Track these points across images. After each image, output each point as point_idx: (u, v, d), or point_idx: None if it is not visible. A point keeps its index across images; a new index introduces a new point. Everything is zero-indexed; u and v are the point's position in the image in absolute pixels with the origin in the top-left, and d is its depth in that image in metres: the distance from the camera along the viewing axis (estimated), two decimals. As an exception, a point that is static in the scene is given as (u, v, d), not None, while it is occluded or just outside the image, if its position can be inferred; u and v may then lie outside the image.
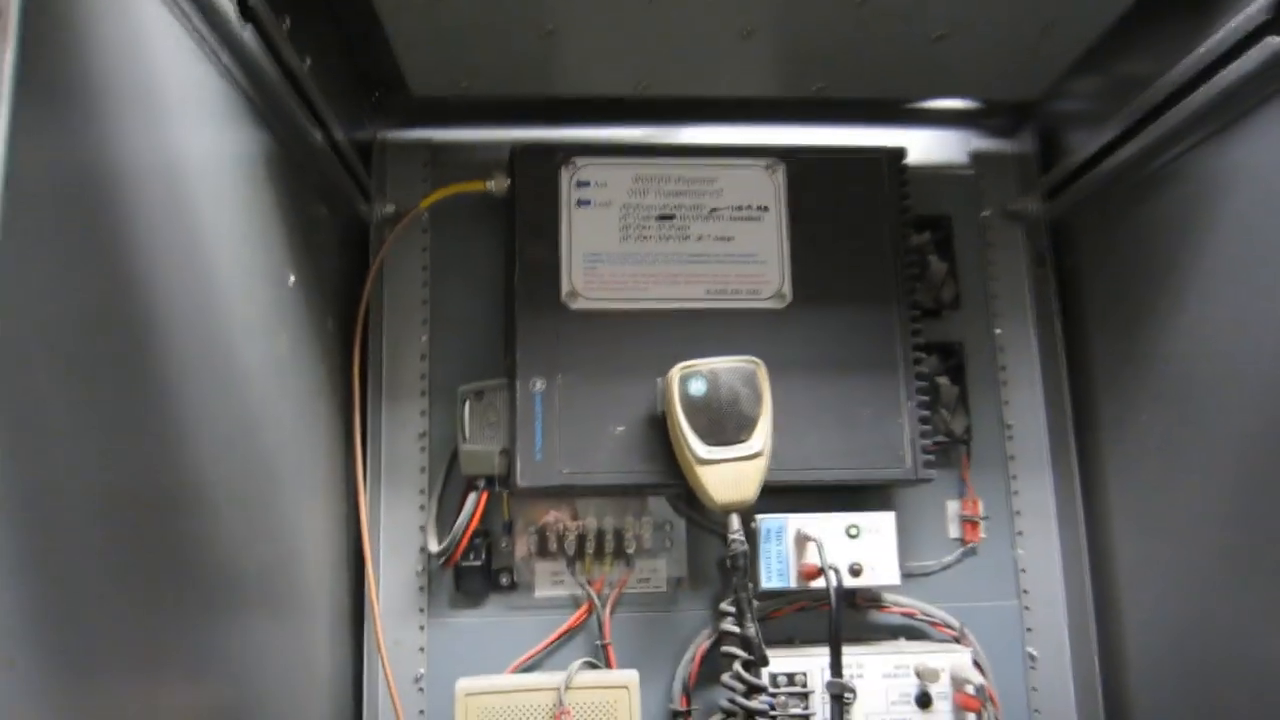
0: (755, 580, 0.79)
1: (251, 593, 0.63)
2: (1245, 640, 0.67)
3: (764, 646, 0.72)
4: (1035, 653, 0.87)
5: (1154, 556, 0.79)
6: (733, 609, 0.73)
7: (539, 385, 0.79)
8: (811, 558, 0.78)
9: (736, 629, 0.72)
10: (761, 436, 0.73)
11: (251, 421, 0.63)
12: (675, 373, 0.74)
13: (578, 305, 0.81)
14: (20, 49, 0.36)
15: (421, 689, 0.83)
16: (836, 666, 0.72)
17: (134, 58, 0.47)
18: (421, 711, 0.83)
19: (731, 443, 0.73)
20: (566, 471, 0.78)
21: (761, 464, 0.73)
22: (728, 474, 0.73)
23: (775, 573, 0.79)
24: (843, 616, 0.73)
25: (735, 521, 0.73)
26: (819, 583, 0.78)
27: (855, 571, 0.79)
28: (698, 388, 0.74)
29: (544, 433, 0.78)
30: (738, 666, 0.72)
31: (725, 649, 0.73)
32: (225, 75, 0.59)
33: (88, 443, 0.43)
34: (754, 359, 0.75)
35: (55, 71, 0.40)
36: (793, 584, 0.79)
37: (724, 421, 0.73)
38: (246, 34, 0.59)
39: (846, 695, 0.76)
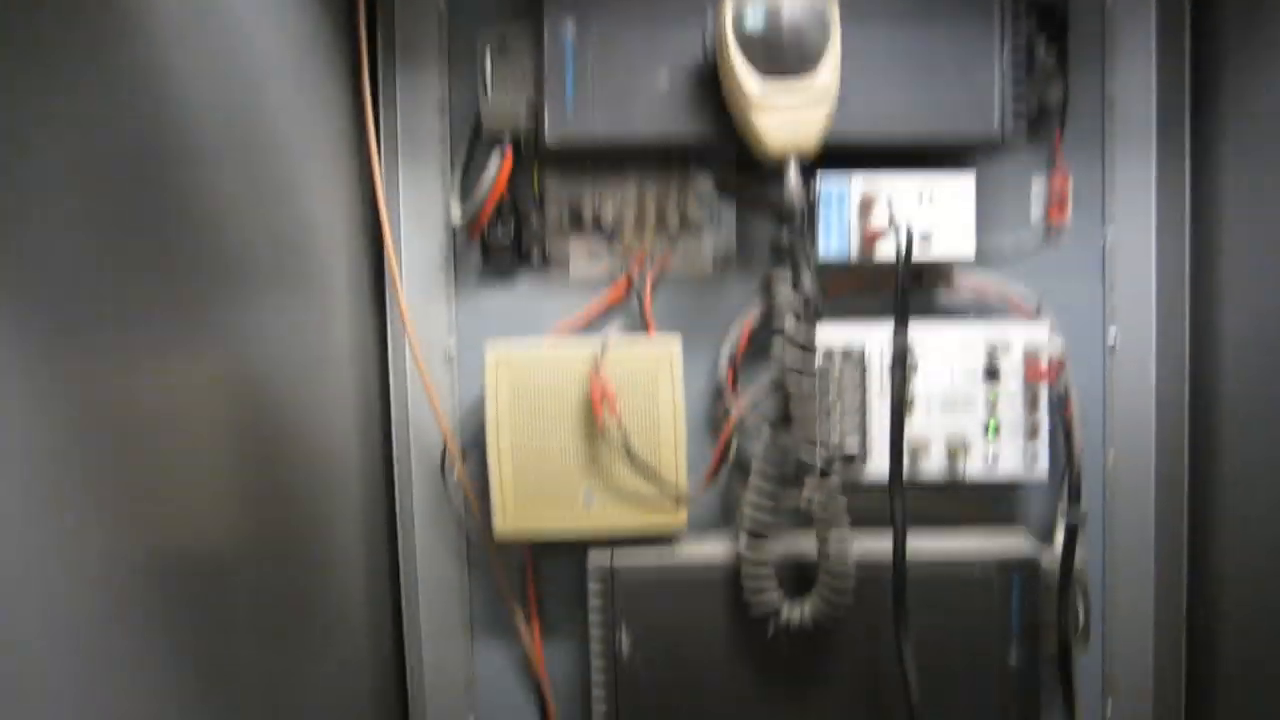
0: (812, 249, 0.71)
1: (263, 262, 0.58)
2: None
3: (819, 306, 0.65)
4: (1117, 341, 0.79)
5: (1269, 253, 0.69)
6: (786, 288, 0.66)
7: (570, 28, 0.69)
8: (877, 221, 0.70)
9: (789, 288, 0.65)
10: (828, 71, 0.63)
11: (245, 77, 0.56)
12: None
13: (615, -70, 0.69)
14: None
15: (451, 362, 0.79)
16: (903, 322, 0.65)
17: None
18: (451, 386, 0.79)
19: (792, 78, 0.63)
20: (600, 125, 0.69)
21: (826, 104, 0.63)
22: (786, 115, 0.63)
23: (835, 240, 0.71)
24: (909, 274, 0.66)
25: (793, 172, 0.64)
26: (883, 253, 0.71)
27: (925, 240, 0.71)
28: (755, 15, 0.63)
29: (575, 82, 0.69)
30: (789, 325, 0.65)
31: (776, 298, 0.66)
32: None
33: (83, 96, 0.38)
34: (822, -23, 0.64)
35: None
36: (853, 254, 0.71)
37: (784, 54, 0.63)
38: None
39: (910, 358, 0.69)
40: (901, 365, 0.66)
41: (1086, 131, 0.78)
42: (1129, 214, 0.79)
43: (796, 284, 0.65)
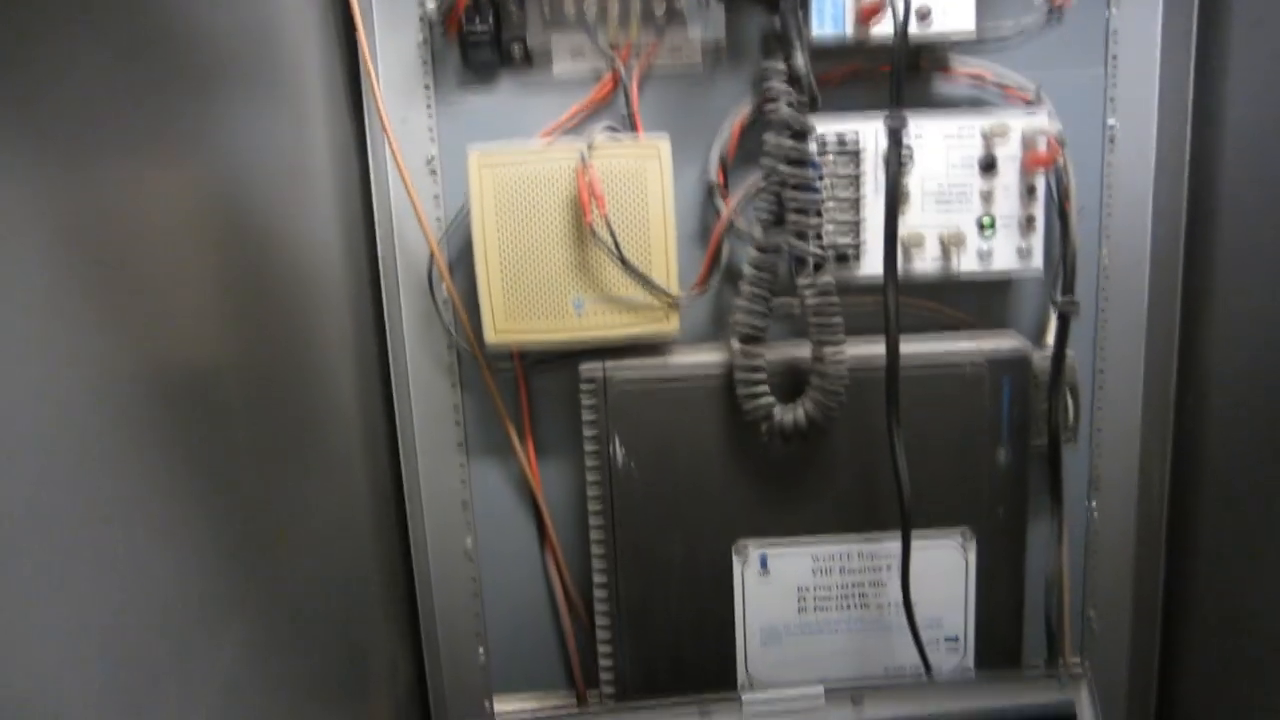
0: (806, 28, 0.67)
1: (232, 63, 0.54)
2: None
3: (814, 82, 0.62)
4: (1117, 125, 0.77)
5: (1272, 31, 0.66)
6: (778, 65, 0.62)
7: None
8: (874, -8, 0.66)
9: (781, 65, 0.62)
10: None
11: None
12: None
13: None
14: None
15: (434, 172, 0.76)
16: (897, 96, 0.63)
17: None
18: (436, 196, 0.76)
19: None
20: (581, -109, 0.64)
21: None
22: None
23: (829, 16, 0.68)
24: (906, 44, 0.63)
25: (784, -68, 0.60)
26: (880, 29, 0.67)
27: (923, 15, 0.67)
28: None
29: None
30: (782, 106, 0.62)
31: (769, 83, 0.63)
32: None
33: None
34: None
35: None
36: (849, 31, 0.68)
37: None
38: None
39: (905, 148, 0.67)
40: (897, 144, 0.63)
41: (1092, -99, 0.74)
42: (1135, -8, 0.75)
43: (789, 63, 0.62)
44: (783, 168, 0.64)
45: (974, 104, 0.75)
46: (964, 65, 0.73)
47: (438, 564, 0.82)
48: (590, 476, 0.74)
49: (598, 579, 0.75)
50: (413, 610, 0.82)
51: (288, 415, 0.61)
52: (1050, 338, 0.73)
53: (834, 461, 0.73)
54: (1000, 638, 0.76)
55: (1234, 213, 0.73)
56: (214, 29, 0.52)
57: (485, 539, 0.82)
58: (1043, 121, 0.70)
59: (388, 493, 0.79)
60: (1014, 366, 0.72)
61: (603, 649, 0.76)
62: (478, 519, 0.82)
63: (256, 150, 0.58)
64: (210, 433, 0.49)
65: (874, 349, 0.69)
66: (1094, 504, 0.82)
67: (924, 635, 0.73)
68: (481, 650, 0.83)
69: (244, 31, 0.57)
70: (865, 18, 0.67)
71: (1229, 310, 0.74)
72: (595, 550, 0.75)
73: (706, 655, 0.76)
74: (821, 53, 0.70)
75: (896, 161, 0.64)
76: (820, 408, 0.68)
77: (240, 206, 0.55)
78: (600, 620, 0.76)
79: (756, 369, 0.69)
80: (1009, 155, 0.71)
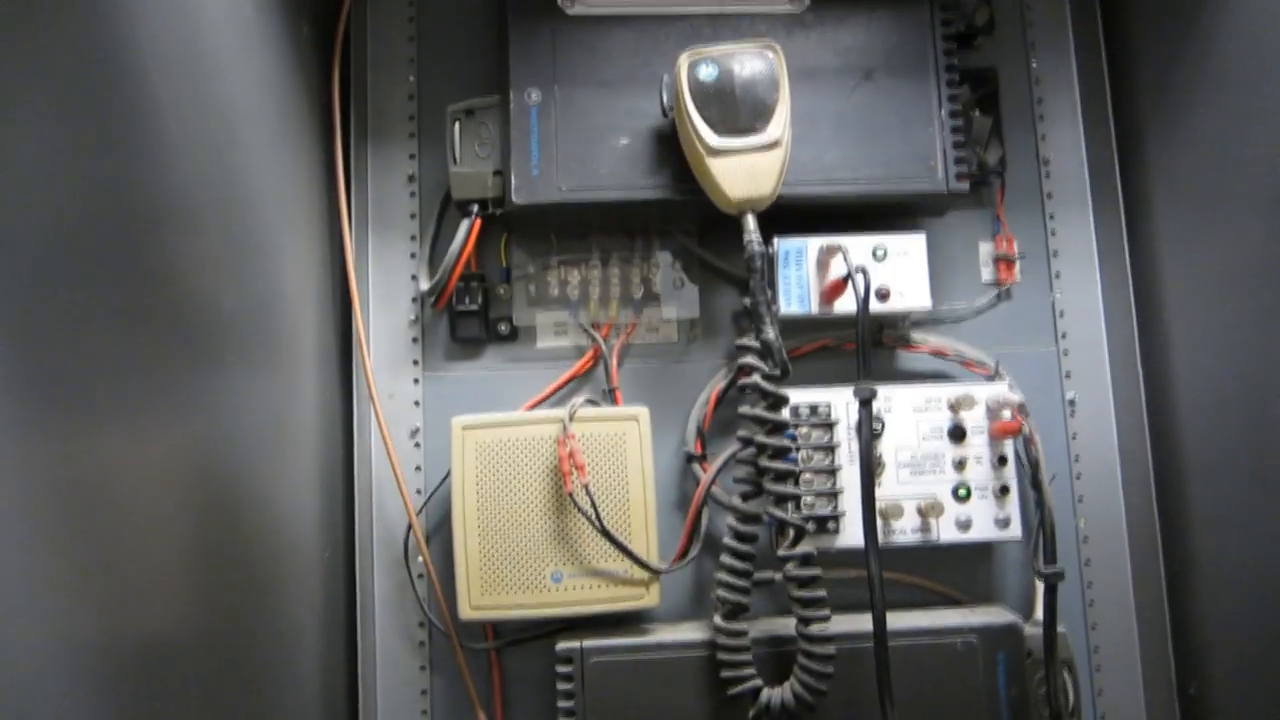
0: (775, 304, 0.72)
1: (232, 332, 0.57)
2: None
3: (785, 354, 0.65)
4: (1075, 398, 0.80)
5: (1204, 292, 0.72)
6: (750, 342, 0.66)
7: (534, 96, 0.72)
8: (835, 273, 0.71)
9: (754, 342, 0.66)
10: (779, 125, 0.66)
11: (225, 135, 0.56)
12: (684, 59, 0.67)
13: (575, 10, 0.73)
14: None
15: (418, 444, 0.77)
16: (864, 367, 0.66)
17: None
18: (418, 467, 0.77)
19: (746, 132, 0.65)
20: (565, 188, 0.71)
21: (779, 156, 0.66)
22: (742, 166, 0.65)
23: (795, 297, 0.72)
24: (869, 318, 0.67)
25: (751, 222, 0.66)
26: (843, 306, 0.72)
27: (883, 295, 0.72)
28: (709, 73, 0.66)
29: (540, 147, 0.71)
30: (756, 377, 0.65)
31: (742, 357, 0.66)
32: None
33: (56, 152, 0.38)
34: (771, 43, 0.67)
35: None
36: (814, 309, 0.72)
37: (738, 109, 0.66)
38: None
39: (876, 419, 0.69)
40: (868, 408, 0.65)
41: (1027, 195, 0.81)
42: (1074, 273, 0.81)
43: (760, 336, 0.65)
44: (759, 436, 0.65)
45: (938, 378, 0.78)
46: (925, 342, 0.78)
47: None
48: (566, 765, 0.69)
49: None
50: None
51: (246, 690, 0.57)
52: (1039, 610, 0.72)
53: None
54: None
55: (1197, 468, 0.74)
56: (220, 301, 0.55)
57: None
58: (1005, 391, 0.73)
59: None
60: (1007, 640, 0.70)
61: None
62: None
63: (245, 417, 0.58)
64: (162, 710, 0.46)
65: (860, 623, 0.67)
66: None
67: None
68: None
69: (248, 304, 0.60)
70: (828, 298, 0.72)
71: (1210, 568, 0.73)
72: None
73: None
74: (790, 328, 0.74)
75: (868, 427, 0.65)
76: (809, 689, 0.65)
77: (223, 473, 0.55)
78: None
79: (741, 648, 0.67)
80: (976, 425, 0.73)
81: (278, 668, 0.63)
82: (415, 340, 0.78)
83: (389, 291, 0.78)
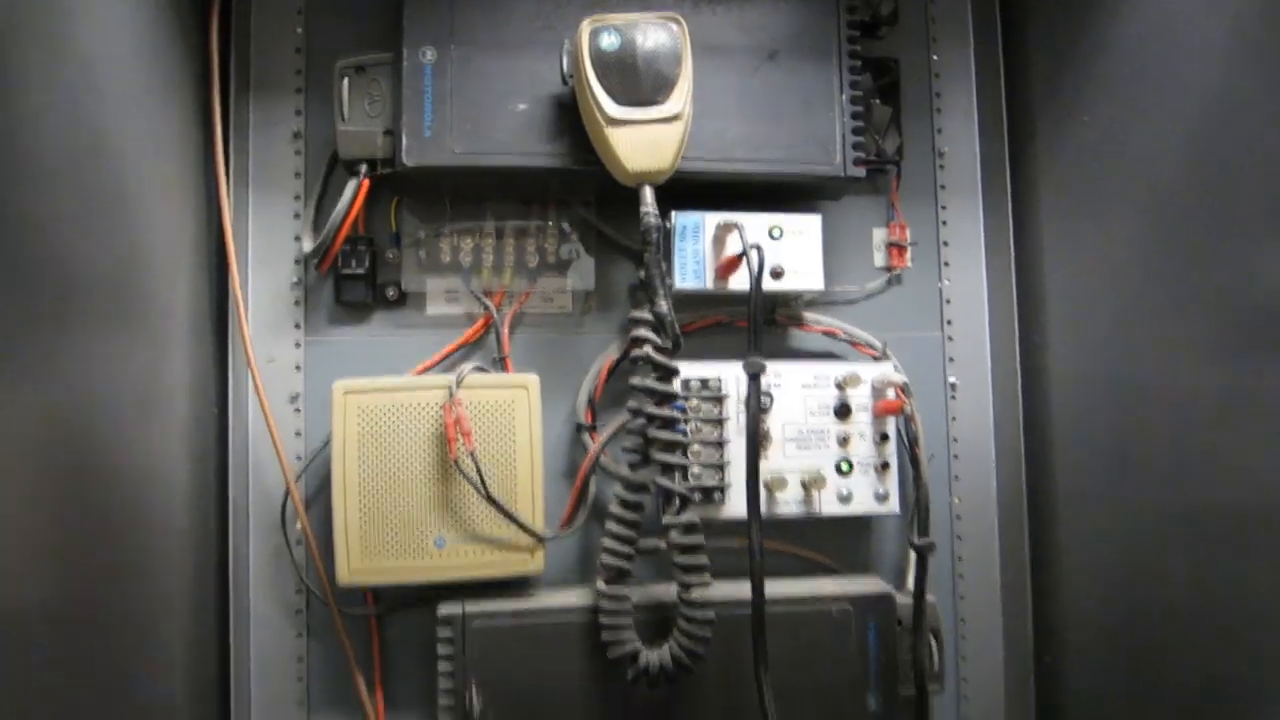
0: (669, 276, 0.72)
1: (88, 291, 0.53)
2: (1169, 370, 0.65)
3: (677, 328, 0.65)
4: (957, 382, 0.83)
5: (1082, 286, 0.75)
6: (644, 315, 0.66)
7: (429, 55, 0.70)
8: (730, 250, 0.71)
9: (647, 314, 0.66)
10: (680, 98, 0.66)
11: (81, 79, 0.53)
12: (586, 25, 0.66)
13: (475, -34, 0.71)
14: None
15: (299, 409, 0.75)
16: (756, 343, 0.66)
17: None
18: (298, 432, 0.75)
19: (647, 104, 0.65)
20: (459, 150, 0.69)
21: (679, 129, 0.66)
22: (642, 137, 0.65)
23: (691, 272, 0.73)
24: (762, 295, 0.67)
25: (649, 194, 0.66)
26: (737, 283, 0.72)
27: (777, 274, 0.73)
28: (610, 41, 0.65)
29: (434, 108, 0.69)
30: (648, 349, 0.65)
31: (635, 335, 0.66)
32: None
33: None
34: (675, 15, 0.67)
35: None
36: (709, 284, 0.73)
37: (639, 80, 0.65)
38: None
39: (765, 394, 0.70)
40: (757, 382, 0.66)
41: (921, 184, 0.83)
42: (962, 263, 0.84)
43: (654, 309, 0.65)
44: (649, 406, 0.65)
45: (828, 357, 0.80)
46: (817, 322, 0.79)
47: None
48: (443, 726, 0.68)
49: None
50: None
51: (106, 664, 0.54)
52: (911, 581, 0.74)
53: (702, 707, 0.70)
54: None
55: (1064, 455, 0.78)
56: (74, 256, 0.52)
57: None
58: (890, 372, 0.75)
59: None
60: (879, 609, 0.73)
61: None
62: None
63: (105, 380, 0.55)
64: (16, 679, 0.43)
65: (740, 590, 0.68)
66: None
67: None
68: None
69: (107, 261, 0.56)
70: (723, 274, 0.72)
71: (1073, 549, 0.77)
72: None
73: None
74: (685, 303, 0.74)
75: (756, 400, 0.66)
76: (686, 650, 0.66)
77: (79, 439, 0.52)
78: None
79: (623, 612, 0.67)
80: (861, 404, 0.75)
81: (142, 635, 0.60)
82: (297, 303, 0.76)
83: (270, 252, 0.75)
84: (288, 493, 0.72)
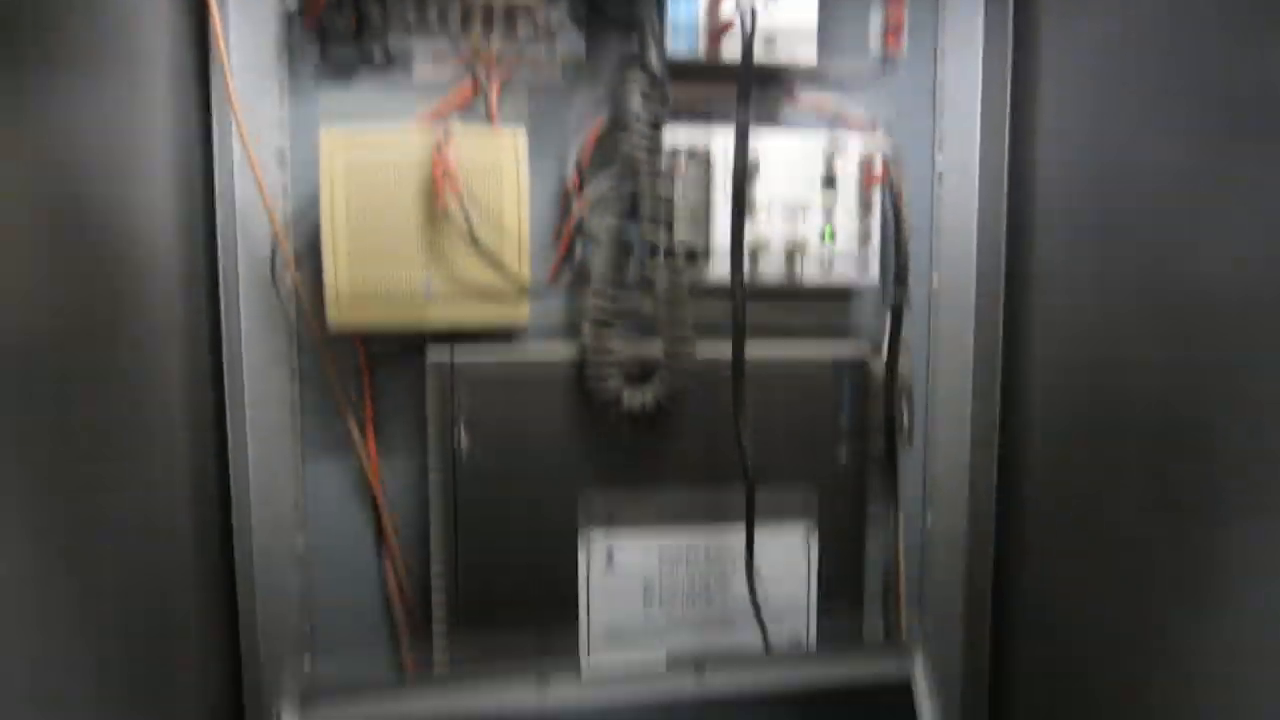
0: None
1: (70, 37, 0.52)
2: (1155, 155, 0.65)
3: (668, 85, 0.65)
4: (944, 170, 0.83)
5: (1076, 71, 0.75)
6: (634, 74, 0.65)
7: None
8: (726, 13, 0.70)
9: (639, 69, 0.65)
10: None
11: None
12: None
13: None
14: None
15: (284, 163, 0.75)
16: (745, 95, 0.66)
17: None
18: (284, 188, 0.75)
19: None
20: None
21: None
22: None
23: (683, 34, 0.72)
24: (752, 61, 0.67)
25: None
26: (730, 52, 0.72)
27: (769, 37, 0.72)
28: None
29: None
30: (638, 104, 0.65)
31: (625, 85, 0.66)
32: None
33: None
34: None
35: None
36: (701, 51, 0.72)
37: None
38: None
39: (752, 161, 0.71)
40: (744, 141, 0.67)
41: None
42: (958, 49, 0.83)
43: (645, 65, 0.65)
44: (639, 154, 0.66)
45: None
46: (808, 97, 0.79)
47: (263, 566, 0.76)
48: (433, 464, 0.72)
49: (436, 568, 0.71)
50: (233, 614, 0.75)
51: (106, 399, 0.56)
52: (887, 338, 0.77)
53: (683, 453, 0.74)
54: (841, 628, 0.76)
55: (1045, 241, 0.79)
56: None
57: (319, 540, 0.77)
58: (879, 143, 0.76)
59: (212, 486, 0.74)
60: (854, 370, 0.76)
61: (438, 643, 0.72)
62: (310, 518, 0.77)
63: (84, 129, 0.55)
64: (21, 410, 0.45)
65: (721, 349, 0.71)
66: (929, 516, 0.85)
67: (768, 628, 0.73)
68: (308, 656, 0.77)
69: (91, 6, 0.55)
70: (716, 36, 0.71)
71: (1045, 328, 0.79)
72: (435, 536, 0.72)
73: (550, 647, 0.73)
74: (677, 72, 0.74)
75: (744, 151, 0.66)
76: (669, 389, 0.69)
77: (67, 182, 0.52)
78: (437, 613, 0.72)
79: (607, 352, 0.70)
80: (849, 175, 0.76)
81: (140, 370, 0.62)
82: (281, 58, 0.74)
83: (252, 3, 0.74)
84: (276, 245, 0.73)
